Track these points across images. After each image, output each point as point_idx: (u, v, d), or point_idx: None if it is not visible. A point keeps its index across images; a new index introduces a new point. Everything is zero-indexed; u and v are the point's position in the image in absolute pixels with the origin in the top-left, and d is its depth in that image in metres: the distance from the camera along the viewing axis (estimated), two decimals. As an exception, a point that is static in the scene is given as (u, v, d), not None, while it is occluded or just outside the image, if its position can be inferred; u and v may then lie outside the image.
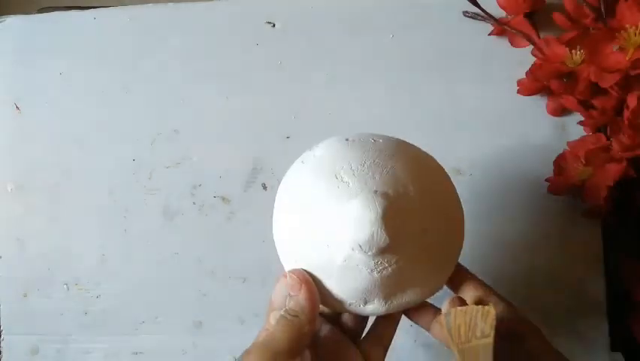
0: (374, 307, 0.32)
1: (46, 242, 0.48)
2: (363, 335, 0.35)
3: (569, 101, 0.42)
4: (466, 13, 0.46)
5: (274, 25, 0.47)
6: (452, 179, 0.34)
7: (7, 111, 0.49)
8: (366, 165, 0.31)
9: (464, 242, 0.35)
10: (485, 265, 0.44)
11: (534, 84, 0.44)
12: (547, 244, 0.45)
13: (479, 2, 0.44)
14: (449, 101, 0.46)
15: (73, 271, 0.48)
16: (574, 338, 0.43)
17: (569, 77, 0.42)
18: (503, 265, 0.44)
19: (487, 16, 0.45)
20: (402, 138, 0.35)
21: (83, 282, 0.48)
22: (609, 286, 0.44)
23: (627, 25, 0.38)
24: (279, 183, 0.34)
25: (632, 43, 0.38)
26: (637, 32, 0.38)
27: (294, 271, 0.32)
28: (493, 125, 0.45)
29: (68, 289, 0.48)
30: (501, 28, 0.45)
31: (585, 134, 0.44)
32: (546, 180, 0.44)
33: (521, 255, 0.45)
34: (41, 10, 0.52)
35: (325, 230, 0.30)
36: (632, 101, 0.39)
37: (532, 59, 0.43)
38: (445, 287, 0.34)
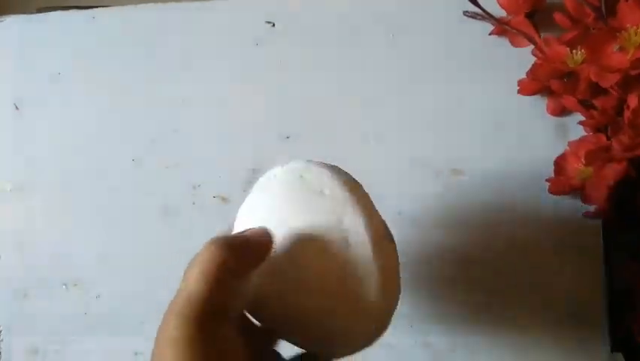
0: None
1: (46, 242, 0.48)
2: None
3: (569, 101, 0.42)
4: (466, 13, 0.46)
5: (274, 25, 0.47)
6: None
7: (6, 111, 0.49)
8: None
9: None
10: (484, 265, 0.44)
11: (534, 84, 0.44)
12: (547, 243, 0.45)
13: (479, 2, 0.44)
14: (449, 100, 0.46)
15: (73, 271, 0.48)
16: (574, 338, 0.43)
17: (569, 77, 0.42)
18: (502, 264, 0.44)
19: (488, 16, 0.44)
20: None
21: (82, 282, 0.48)
22: (609, 287, 0.44)
23: (628, 25, 0.38)
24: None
25: (632, 43, 0.38)
26: (638, 32, 0.38)
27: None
28: (494, 125, 0.45)
29: (68, 289, 0.48)
30: (501, 28, 0.44)
31: (585, 134, 0.44)
32: (546, 180, 0.44)
33: (520, 255, 0.45)
34: (40, 10, 0.52)
35: None
36: (632, 101, 0.39)
37: (533, 59, 0.43)
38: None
